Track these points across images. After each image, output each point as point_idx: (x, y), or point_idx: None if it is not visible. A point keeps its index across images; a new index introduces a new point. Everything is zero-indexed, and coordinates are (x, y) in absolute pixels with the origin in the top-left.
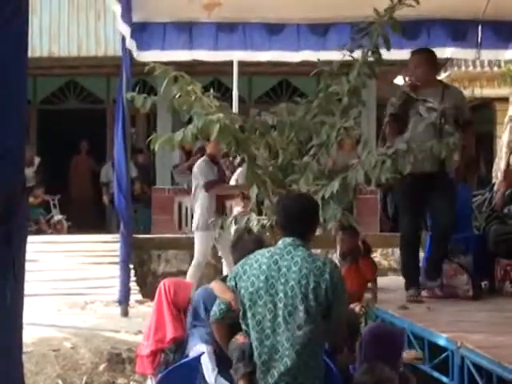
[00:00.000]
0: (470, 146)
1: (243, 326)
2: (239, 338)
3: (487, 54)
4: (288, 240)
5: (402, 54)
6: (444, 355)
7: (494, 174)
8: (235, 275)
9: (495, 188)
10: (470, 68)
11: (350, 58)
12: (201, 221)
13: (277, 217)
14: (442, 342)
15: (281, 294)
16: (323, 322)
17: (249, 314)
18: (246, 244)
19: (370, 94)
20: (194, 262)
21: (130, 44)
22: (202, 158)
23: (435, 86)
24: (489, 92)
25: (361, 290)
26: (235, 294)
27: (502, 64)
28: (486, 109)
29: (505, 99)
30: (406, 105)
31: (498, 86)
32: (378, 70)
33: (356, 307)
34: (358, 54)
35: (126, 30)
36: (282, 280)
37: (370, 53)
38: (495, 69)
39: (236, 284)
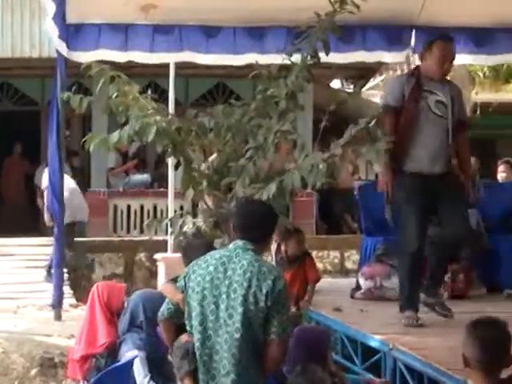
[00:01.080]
0: (466, 148)
1: (187, 326)
2: (183, 337)
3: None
4: (239, 243)
5: (338, 57)
6: (376, 357)
7: None
8: (185, 275)
9: None
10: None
11: (288, 62)
12: None
13: (234, 219)
14: (374, 344)
15: (223, 296)
16: (261, 331)
17: (193, 314)
18: (196, 248)
19: (307, 98)
20: None
21: (59, 44)
22: None
23: (442, 79)
24: None
25: (304, 293)
26: (184, 294)
27: None
28: None
29: None
30: (415, 94)
31: None
32: (315, 73)
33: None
34: (296, 57)
35: (53, 30)
36: (227, 282)
37: (309, 57)
38: None
39: (185, 284)
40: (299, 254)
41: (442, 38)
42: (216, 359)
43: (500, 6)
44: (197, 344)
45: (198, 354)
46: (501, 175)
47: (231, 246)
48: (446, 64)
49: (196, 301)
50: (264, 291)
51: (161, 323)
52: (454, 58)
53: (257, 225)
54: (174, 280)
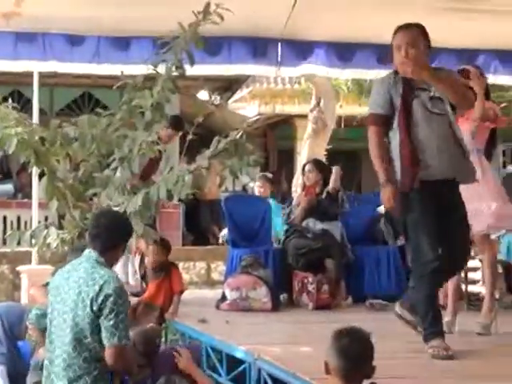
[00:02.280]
0: None
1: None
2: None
3: (287, 71)
4: (86, 252)
5: (204, 69)
6: (241, 368)
7: (293, 189)
8: (51, 281)
9: (294, 202)
10: (272, 85)
11: (154, 72)
12: None
13: None
14: (239, 355)
15: (61, 303)
16: (94, 337)
17: (47, 319)
18: (76, 251)
19: (174, 109)
20: None
21: None
22: None
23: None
24: (290, 109)
25: (170, 305)
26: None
27: (303, 81)
28: (286, 125)
29: (304, 116)
30: (407, 95)
31: (298, 103)
32: (182, 84)
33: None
34: (161, 68)
35: None
36: (66, 288)
37: (174, 68)
38: (296, 86)
39: (49, 289)
40: (164, 264)
41: (396, 30)
42: (55, 363)
43: (361, 22)
44: (45, 348)
45: (45, 359)
46: (258, 190)
47: (84, 254)
48: (405, 50)
49: (49, 306)
50: (90, 296)
51: (29, 327)
52: (409, 42)
53: (101, 234)
54: (47, 285)
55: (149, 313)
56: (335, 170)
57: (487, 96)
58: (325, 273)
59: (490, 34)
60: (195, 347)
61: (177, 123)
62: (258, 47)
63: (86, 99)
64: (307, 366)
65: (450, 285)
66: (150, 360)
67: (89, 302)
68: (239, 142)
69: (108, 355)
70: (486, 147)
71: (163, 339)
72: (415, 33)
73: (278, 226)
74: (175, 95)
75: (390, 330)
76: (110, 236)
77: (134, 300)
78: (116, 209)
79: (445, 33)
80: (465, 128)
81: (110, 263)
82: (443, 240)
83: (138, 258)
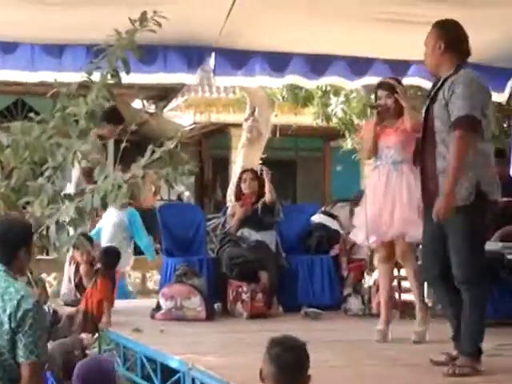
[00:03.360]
0: None
1: None
2: None
3: (220, 81)
4: None
5: (140, 77)
6: (176, 377)
7: (228, 198)
8: None
9: (229, 212)
10: (207, 94)
11: (89, 80)
12: None
13: None
14: (174, 364)
15: None
16: (11, 354)
17: None
18: None
19: None
20: None
21: None
22: None
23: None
24: (224, 118)
25: (101, 312)
26: None
27: (237, 91)
28: (221, 134)
29: (239, 125)
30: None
31: (233, 112)
32: (116, 92)
33: (84, 337)
34: (96, 76)
35: None
36: None
37: (109, 76)
38: (230, 95)
39: None
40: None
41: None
42: None
43: (296, 33)
44: None
45: None
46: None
47: None
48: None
49: None
50: (8, 312)
51: None
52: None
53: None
54: None
55: (86, 322)
56: (267, 180)
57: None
58: (258, 282)
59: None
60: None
61: (114, 116)
62: (193, 56)
63: (19, 107)
64: (241, 375)
65: (383, 293)
66: (69, 373)
67: (6, 318)
68: (174, 151)
69: (26, 371)
70: (413, 156)
71: (96, 349)
72: (429, 32)
73: None
74: (110, 103)
75: (325, 339)
76: (6, 245)
77: (71, 309)
78: (49, 219)
79: (378, 43)
80: (395, 139)
81: (17, 273)
82: None
83: (73, 267)
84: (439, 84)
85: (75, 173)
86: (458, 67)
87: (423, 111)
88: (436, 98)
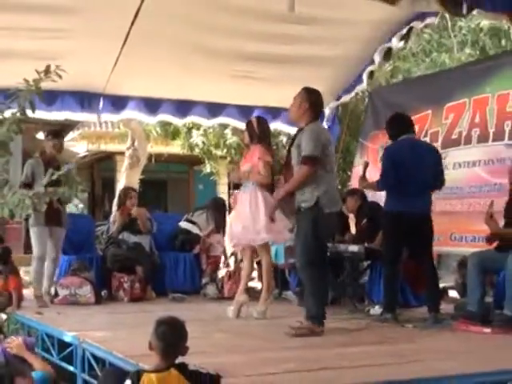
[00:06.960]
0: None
1: None
2: None
3: (106, 118)
4: None
5: (43, 114)
6: (70, 349)
7: (114, 209)
8: None
9: (111, 219)
10: (98, 128)
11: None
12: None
13: None
14: (68, 339)
15: None
16: None
17: None
18: None
19: (17, 146)
20: (33, 255)
21: None
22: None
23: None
24: (111, 147)
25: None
26: None
27: (121, 126)
28: (109, 160)
29: (122, 153)
30: None
31: (118, 143)
32: (24, 126)
33: None
34: (7, 113)
35: None
36: None
37: (18, 113)
38: (116, 130)
39: None
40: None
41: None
42: None
43: (164, 84)
44: None
45: None
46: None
47: None
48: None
49: None
50: None
51: None
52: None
53: None
54: None
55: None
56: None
57: (269, 139)
58: (136, 274)
59: (264, 95)
60: (29, 338)
61: (55, 132)
62: (85, 100)
63: None
64: (122, 346)
65: (244, 279)
66: None
67: None
68: (69, 174)
69: None
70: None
71: (6, 329)
72: (299, 92)
73: None
74: (19, 135)
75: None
76: None
77: None
78: None
79: (230, 92)
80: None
81: None
82: None
83: None
84: (296, 132)
85: None
86: (310, 121)
87: (286, 149)
88: (294, 142)
